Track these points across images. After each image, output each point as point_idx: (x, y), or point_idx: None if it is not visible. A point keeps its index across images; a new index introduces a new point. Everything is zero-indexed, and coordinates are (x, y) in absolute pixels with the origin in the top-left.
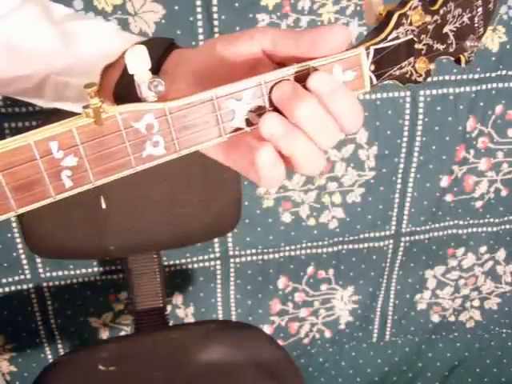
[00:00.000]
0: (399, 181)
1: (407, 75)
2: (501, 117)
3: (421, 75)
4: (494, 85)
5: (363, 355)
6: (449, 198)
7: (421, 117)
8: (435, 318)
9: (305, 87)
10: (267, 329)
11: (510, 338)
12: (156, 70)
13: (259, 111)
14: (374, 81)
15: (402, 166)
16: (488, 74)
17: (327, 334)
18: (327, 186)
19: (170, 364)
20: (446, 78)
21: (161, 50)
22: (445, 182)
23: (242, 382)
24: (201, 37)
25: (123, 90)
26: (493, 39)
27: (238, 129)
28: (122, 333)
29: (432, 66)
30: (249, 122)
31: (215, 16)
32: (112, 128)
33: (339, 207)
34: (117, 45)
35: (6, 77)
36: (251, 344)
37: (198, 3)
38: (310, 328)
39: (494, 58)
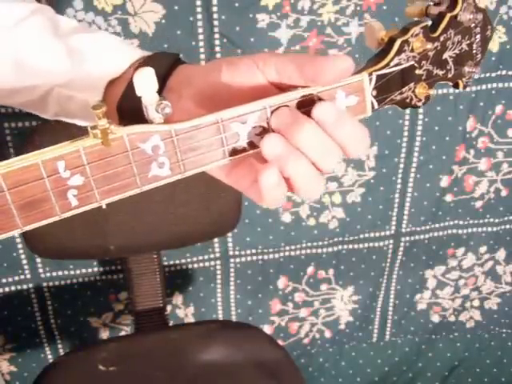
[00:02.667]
0: (399, 181)
1: (407, 100)
2: (501, 117)
3: (420, 100)
4: (494, 85)
5: (363, 355)
6: (449, 198)
7: (421, 117)
8: (435, 318)
9: (309, 112)
10: (267, 329)
11: (510, 338)
12: (161, 85)
13: (263, 134)
14: (376, 106)
15: (401, 166)
16: (488, 74)
17: (327, 334)
18: (327, 186)
19: (170, 364)
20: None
21: (166, 66)
22: (445, 181)
23: (242, 382)
24: (201, 37)
25: (127, 105)
26: (493, 39)
27: (241, 151)
28: (122, 333)
29: (431, 92)
30: (252, 145)
31: (215, 16)
32: (119, 149)
33: (339, 207)
34: (121, 59)
35: (11, 88)
36: (251, 344)
37: (198, 3)
38: (309, 328)
39: (493, 58)
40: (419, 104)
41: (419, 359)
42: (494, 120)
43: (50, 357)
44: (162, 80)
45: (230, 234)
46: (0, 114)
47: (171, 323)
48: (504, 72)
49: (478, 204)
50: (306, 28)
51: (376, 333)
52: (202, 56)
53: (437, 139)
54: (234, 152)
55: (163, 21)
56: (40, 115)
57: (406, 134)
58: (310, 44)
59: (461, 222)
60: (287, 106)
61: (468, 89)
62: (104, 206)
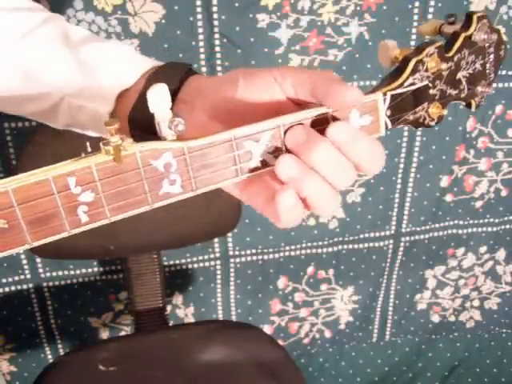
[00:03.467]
0: (399, 181)
1: (420, 120)
2: (501, 117)
3: (433, 119)
4: (494, 85)
5: (363, 355)
6: (449, 198)
7: None
8: (435, 318)
9: (323, 131)
10: (267, 329)
11: (510, 338)
12: (172, 96)
13: (276, 153)
14: (389, 125)
15: (401, 166)
16: None
17: (327, 333)
18: None
19: (170, 364)
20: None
21: (178, 77)
22: (445, 181)
23: (242, 381)
24: (201, 37)
25: (138, 116)
26: None
27: (254, 169)
28: (122, 333)
29: (445, 112)
30: (265, 163)
31: (215, 16)
32: (130, 165)
33: (339, 207)
34: (133, 69)
35: (21, 98)
36: (251, 344)
37: (198, 3)
38: (309, 328)
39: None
40: (432, 124)
41: (419, 359)
42: (493, 120)
43: (49, 357)
44: (174, 91)
45: (230, 234)
46: (0, 113)
47: (171, 323)
48: (504, 72)
49: (478, 204)
50: (306, 28)
51: (376, 333)
52: (202, 56)
53: (437, 139)
54: (247, 170)
55: (163, 21)
56: (50, 125)
57: (405, 133)
58: (310, 44)
59: (461, 222)
60: (302, 124)
61: None
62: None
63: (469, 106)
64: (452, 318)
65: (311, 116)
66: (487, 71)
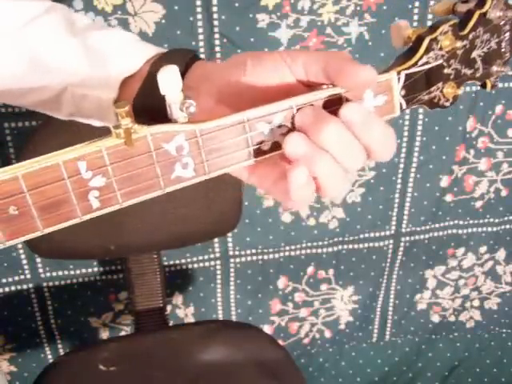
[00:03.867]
0: (399, 181)
1: (435, 100)
2: (501, 117)
3: (448, 100)
4: None
5: (363, 355)
6: (449, 198)
7: (421, 117)
8: (435, 318)
9: (336, 112)
10: (267, 329)
11: (510, 338)
12: None
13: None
14: (404, 106)
15: (401, 166)
16: None
17: (327, 333)
18: None
19: (170, 364)
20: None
21: (183, 62)
22: (445, 181)
23: (242, 381)
24: (201, 37)
25: (143, 102)
26: None
27: (266, 151)
28: (122, 333)
29: (460, 92)
30: (278, 145)
31: (215, 16)
32: (142, 149)
33: (339, 207)
34: (136, 56)
35: (26, 87)
36: (251, 344)
37: (198, 3)
38: (309, 328)
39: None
40: (447, 104)
41: (419, 359)
42: (494, 120)
43: (49, 357)
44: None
45: (230, 234)
46: (0, 113)
47: (171, 323)
48: None
49: (478, 204)
50: (306, 28)
51: (376, 333)
52: (202, 56)
53: (437, 139)
54: (259, 152)
55: (163, 21)
56: (54, 115)
57: (406, 133)
58: (310, 44)
59: (461, 222)
60: (312, 105)
61: (468, 89)
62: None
63: (484, 86)
64: (452, 318)
65: (324, 96)
66: (503, 50)
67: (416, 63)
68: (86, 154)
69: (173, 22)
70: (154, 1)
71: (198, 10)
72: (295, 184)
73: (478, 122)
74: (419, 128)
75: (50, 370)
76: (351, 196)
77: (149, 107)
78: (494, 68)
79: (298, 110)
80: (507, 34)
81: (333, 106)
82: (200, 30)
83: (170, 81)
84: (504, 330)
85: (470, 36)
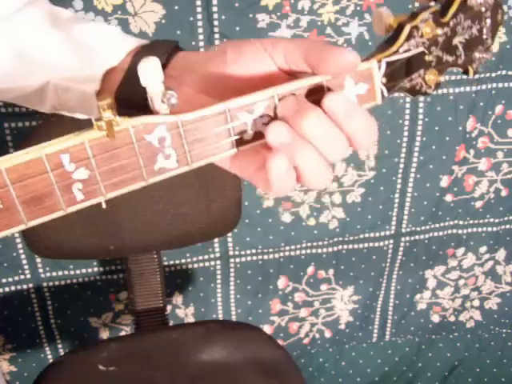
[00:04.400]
0: (399, 181)
1: (417, 87)
2: (501, 117)
3: (430, 87)
4: (494, 85)
5: (363, 355)
6: (449, 198)
7: (421, 117)
8: (435, 318)
9: (318, 101)
10: (267, 329)
11: (509, 337)
12: None
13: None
14: (386, 93)
15: (401, 166)
16: (488, 74)
17: (327, 333)
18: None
19: (170, 364)
20: (446, 77)
21: (164, 53)
22: (445, 182)
23: (242, 381)
24: (201, 37)
25: (125, 94)
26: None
27: (249, 141)
28: (122, 333)
29: (442, 78)
30: (260, 135)
31: (215, 16)
32: (124, 141)
33: (339, 207)
34: (118, 48)
35: (8, 81)
36: (251, 344)
37: (198, 3)
38: (309, 328)
39: (494, 58)
40: (429, 91)
41: (419, 359)
42: (494, 120)
43: (49, 357)
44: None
45: (230, 234)
46: (0, 113)
47: (171, 323)
48: (504, 72)
49: (478, 204)
50: (306, 28)
51: (376, 333)
52: None
53: (437, 139)
54: (242, 142)
55: (163, 21)
56: (37, 109)
57: (405, 133)
58: None
59: (461, 222)
60: (294, 94)
61: (468, 89)
62: (104, 206)
63: (466, 72)
64: (452, 318)
65: (306, 85)
66: (484, 36)
67: (397, 51)
68: (68, 147)
69: (173, 21)
70: (154, 1)
71: (198, 10)
72: (275, 173)
73: (478, 122)
74: (419, 128)
75: (50, 369)
76: (351, 196)
77: (131, 99)
78: (476, 54)
79: (279, 99)
80: (488, 21)
81: (314, 95)
82: (200, 30)
83: (150, 72)
84: (504, 330)
85: (451, 23)
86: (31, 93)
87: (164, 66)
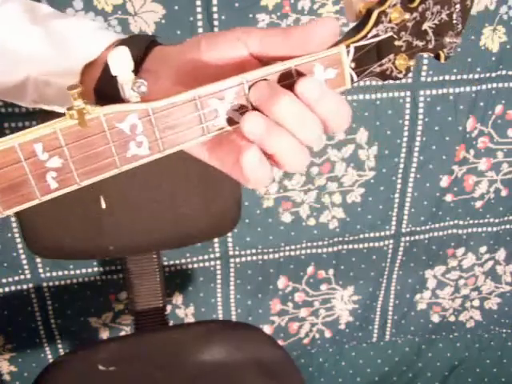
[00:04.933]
0: (399, 181)
1: (387, 72)
2: (501, 117)
3: (401, 71)
4: (494, 85)
5: (363, 355)
6: (449, 198)
7: (421, 117)
8: (435, 318)
9: (288, 86)
10: (267, 329)
11: (510, 337)
12: (137, 67)
13: (242, 110)
14: (355, 78)
15: (401, 166)
16: (488, 74)
17: (327, 333)
18: (327, 186)
19: (170, 364)
20: (446, 77)
21: (142, 47)
22: (445, 182)
23: (242, 382)
24: None
25: (104, 88)
26: (493, 39)
27: (221, 128)
28: (122, 333)
29: (412, 63)
30: (232, 121)
31: (215, 16)
32: (96, 129)
33: (339, 207)
34: (97, 43)
35: None
36: (251, 344)
37: (198, 3)
38: (309, 328)
39: (493, 58)
40: (400, 76)
41: (419, 359)
42: (493, 120)
43: (49, 357)
44: (139, 62)
45: (229, 234)
46: (0, 113)
47: (171, 323)
48: (504, 72)
49: (478, 204)
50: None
51: (376, 333)
52: None
53: (437, 139)
54: (214, 129)
55: (163, 21)
56: (18, 103)
57: (405, 133)
58: None
59: (461, 222)
60: (266, 79)
61: (468, 89)
62: (103, 206)
63: (437, 57)
64: (452, 318)
65: (275, 71)
66: (454, 21)
67: (365, 36)
68: (41, 136)
69: (173, 21)
70: (154, 1)
71: (198, 9)
72: (248, 166)
73: (478, 122)
74: (419, 128)
75: (49, 369)
76: (351, 196)
77: (110, 93)
78: (447, 39)
79: (249, 86)
80: (458, 6)
81: (285, 80)
82: (200, 30)
83: (119, 61)
84: (504, 330)
85: (420, 8)
86: (12, 87)
87: (142, 60)
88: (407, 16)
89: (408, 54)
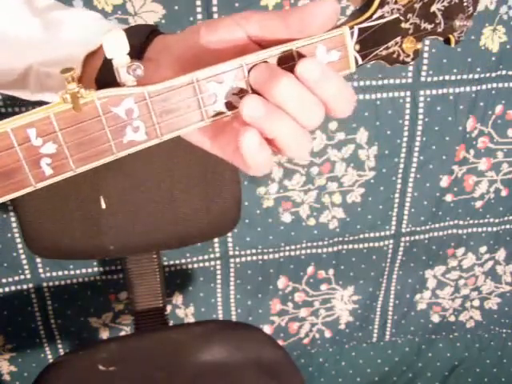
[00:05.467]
0: (399, 181)
1: (394, 55)
2: (501, 117)
3: (408, 55)
4: (494, 85)
5: (363, 355)
6: (449, 198)
7: (421, 117)
8: (435, 318)
9: (289, 69)
10: (267, 329)
11: (510, 337)
12: (139, 57)
13: (241, 94)
14: (360, 61)
15: (401, 166)
16: (488, 74)
17: (327, 333)
18: (327, 186)
19: (170, 364)
20: (446, 78)
21: (143, 36)
22: (445, 182)
23: (242, 382)
24: None
25: (105, 78)
26: (493, 39)
27: (220, 112)
28: (122, 333)
29: (419, 46)
30: (231, 106)
31: (215, 16)
32: (91, 114)
33: (339, 207)
34: (98, 33)
35: None
36: (251, 344)
37: (198, 3)
38: (309, 328)
39: (493, 58)
40: (408, 60)
41: (419, 359)
42: (494, 120)
43: (49, 357)
44: (140, 51)
45: (229, 234)
46: (0, 114)
47: (171, 323)
48: (504, 72)
49: (478, 204)
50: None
51: (376, 333)
52: None
53: (437, 139)
54: (213, 114)
55: (163, 21)
56: (22, 96)
57: (405, 133)
58: None
59: (461, 222)
60: (265, 61)
61: (468, 89)
62: (103, 206)
63: (447, 41)
64: (452, 318)
65: (276, 54)
66: (465, 4)
67: (370, 17)
68: (34, 121)
69: (173, 21)
70: (154, 1)
71: (198, 10)
72: (247, 150)
73: (478, 122)
74: (419, 128)
75: (49, 370)
76: (351, 196)
77: (111, 81)
78: (457, 22)
79: (249, 69)
80: None
81: (286, 63)
82: None
83: (114, 44)
84: (504, 330)
85: None
86: (14, 80)
87: (143, 50)
88: None
89: (415, 37)
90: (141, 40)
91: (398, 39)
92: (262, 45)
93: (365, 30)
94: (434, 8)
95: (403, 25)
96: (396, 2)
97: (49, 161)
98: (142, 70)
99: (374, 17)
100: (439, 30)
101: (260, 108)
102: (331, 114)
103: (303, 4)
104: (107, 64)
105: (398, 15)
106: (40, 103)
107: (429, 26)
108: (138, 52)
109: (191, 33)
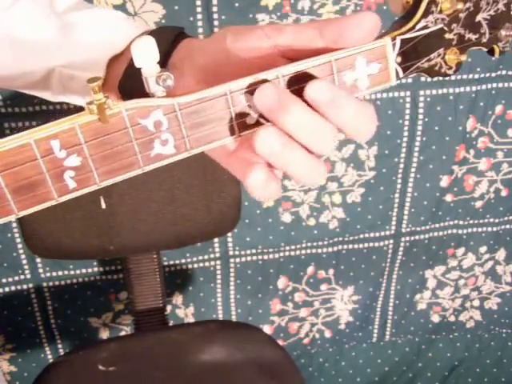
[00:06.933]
0: (399, 181)
1: (436, 67)
2: (501, 117)
3: (451, 67)
4: (494, 85)
5: (363, 355)
6: (449, 198)
7: (421, 117)
8: (435, 318)
9: (299, 92)
10: (267, 329)
11: (510, 337)
12: (164, 61)
13: None
14: (401, 74)
15: (401, 166)
16: (488, 74)
17: (327, 333)
18: (327, 185)
19: (170, 364)
20: (446, 77)
21: (169, 40)
22: (445, 182)
23: (242, 381)
24: (201, 37)
25: (129, 84)
26: None
27: (252, 126)
28: (122, 333)
29: (463, 58)
30: (263, 119)
31: (215, 16)
32: (118, 125)
33: (339, 207)
34: (123, 35)
35: (11, 71)
36: (251, 344)
37: (198, 3)
38: (309, 328)
39: (494, 58)
40: (450, 72)
41: (419, 359)
42: (494, 120)
43: (49, 357)
44: (166, 55)
45: (229, 234)
46: (0, 113)
47: (171, 323)
48: (504, 72)
49: (478, 204)
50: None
51: (376, 333)
52: None
53: (437, 139)
54: (244, 128)
55: (163, 21)
56: (44, 97)
57: (405, 134)
58: None
59: (461, 222)
60: (272, 83)
61: (468, 89)
62: (103, 206)
63: (491, 52)
64: (452, 318)
65: (313, 65)
66: None
67: (413, 28)
68: (58, 132)
69: (173, 22)
70: (154, 1)
71: (198, 10)
72: (253, 186)
73: (478, 122)
74: (419, 128)
75: (49, 369)
76: (351, 196)
77: (136, 88)
78: (503, 32)
79: (287, 81)
80: None
81: (295, 85)
82: (200, 30)
83: (144, 52)
84: (504, 330)
85: None
86: (36, 82)
87: (169, 54)
88: (460, 6)
89: (459, 48)
90: (167, 45)
91: (441, 51)
92: (289, 57)
93: (407, 41)
94: (479, 17)
95: (447, 35)
96: (441, 12)
97: (72, 174)
98: (173, 80)
99: (418, 27)
100: (484, 40)
101: (275, 145)
102: (348, 137)
103: (304, 20)
104: (131, 69)
105: (442, 25)
106: (43, 108)
107: (473, 37)
108: (163, 57)
109: (217, 39)
